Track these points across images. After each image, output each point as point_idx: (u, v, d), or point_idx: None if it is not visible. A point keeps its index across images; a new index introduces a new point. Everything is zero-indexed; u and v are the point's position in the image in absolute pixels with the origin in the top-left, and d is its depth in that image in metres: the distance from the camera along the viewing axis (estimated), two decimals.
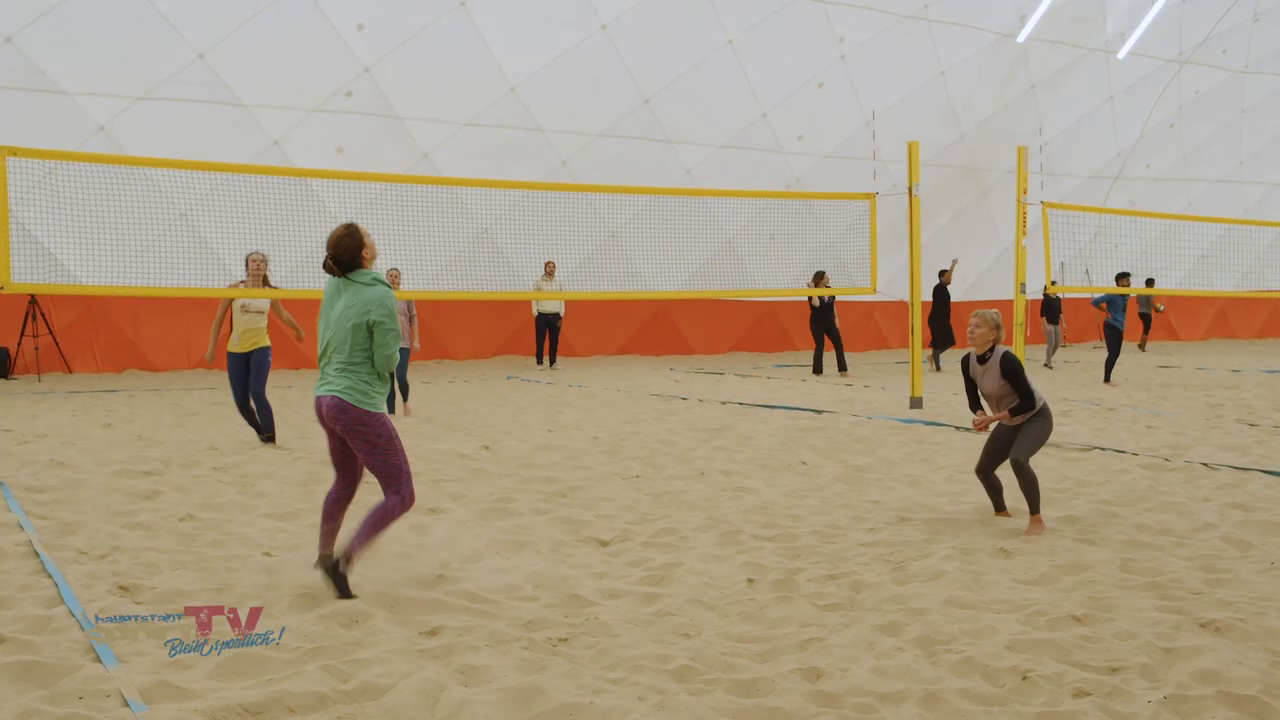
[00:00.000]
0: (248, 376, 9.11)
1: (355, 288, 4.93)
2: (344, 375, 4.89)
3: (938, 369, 18.06)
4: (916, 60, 20.74)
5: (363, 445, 4.91)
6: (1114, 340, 15.17)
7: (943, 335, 18.47)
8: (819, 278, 17.25)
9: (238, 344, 9.09)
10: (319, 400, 4.94)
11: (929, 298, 22.34)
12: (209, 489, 7.28)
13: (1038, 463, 8.38)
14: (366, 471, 5.10)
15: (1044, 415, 6.40)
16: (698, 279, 18.83)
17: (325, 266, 4.98)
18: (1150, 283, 19.41)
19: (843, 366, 17.66)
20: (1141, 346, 22.94)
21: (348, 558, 4.85)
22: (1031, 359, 20.00)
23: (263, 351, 9.15)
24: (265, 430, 9.26)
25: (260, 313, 9.11)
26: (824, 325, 17.63)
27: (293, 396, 13.77)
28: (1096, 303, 15.57)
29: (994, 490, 6.49)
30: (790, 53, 19.58)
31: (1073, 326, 25.92)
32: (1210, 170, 26.40)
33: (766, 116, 20.23)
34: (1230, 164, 26.62)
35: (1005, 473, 6.45)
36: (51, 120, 15.06)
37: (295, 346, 17.80)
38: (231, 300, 9.00)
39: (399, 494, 4.95)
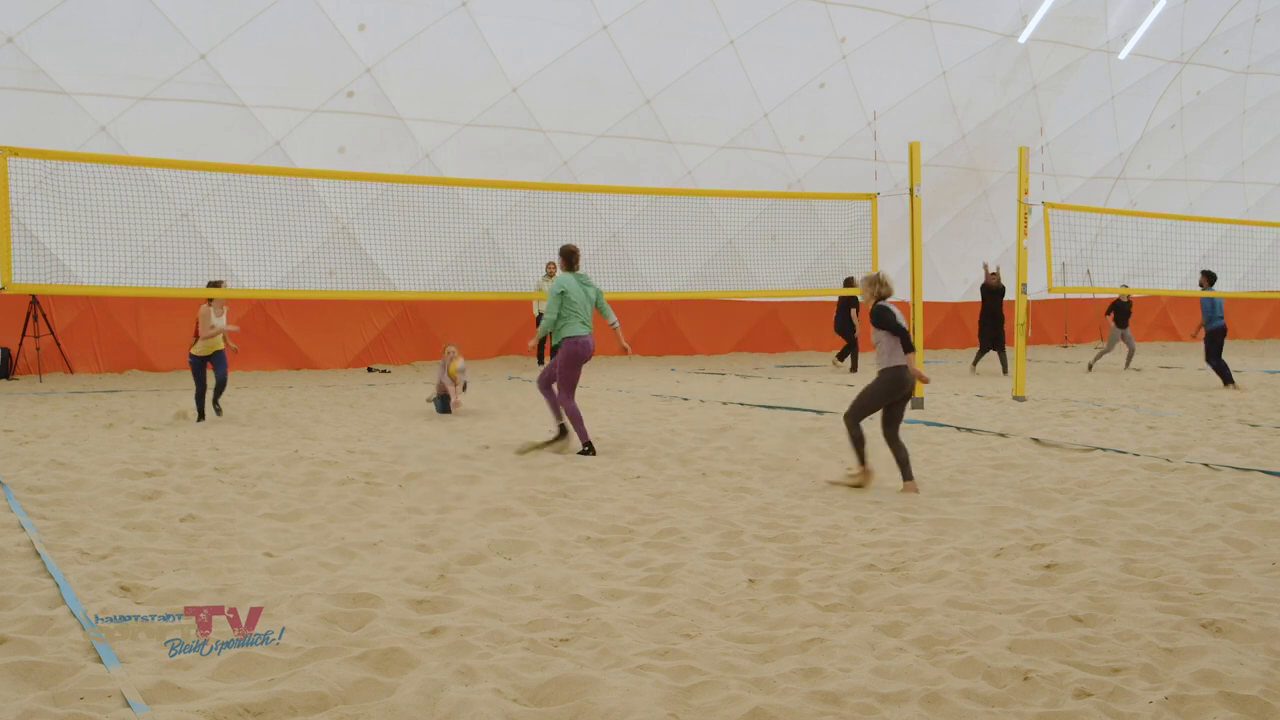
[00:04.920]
0: (205, 373, 11.35)
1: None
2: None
3: (974, 370, 17.93)
4: (918, 61, 20.74)
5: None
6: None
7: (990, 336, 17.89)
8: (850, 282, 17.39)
9: (201, 350, 11.27)
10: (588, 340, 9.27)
11: (934, 298, 22.36)
12: (210, 489, 7.29)
13: (1035, 462, 8.38)
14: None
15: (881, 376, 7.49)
16: (699, 279, 18.85)
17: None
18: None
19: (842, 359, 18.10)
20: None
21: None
22: (1033, 359, 20.01)
23: (221, 352, 11.46)
24: (216, 400, 11.46)
25: (220, 331, 11.44)
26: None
27: (294, 397, 13.78)
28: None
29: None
30: (792, 53, 19.58)
31: (1073, 327, 25.91)
32: (1212, 171, 26.40)
33: (768, 117, 20.23)
34: (1232, 164, 26.62)
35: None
36: (53, 120, 15.07)
37: (298, 350, 17.82)
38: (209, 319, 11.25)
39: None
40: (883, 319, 7.52)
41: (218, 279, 11.49)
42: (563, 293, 9.20)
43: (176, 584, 4.98)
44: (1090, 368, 18.18)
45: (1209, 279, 14.80)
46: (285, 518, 6.54)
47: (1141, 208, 23.91)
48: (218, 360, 11.38)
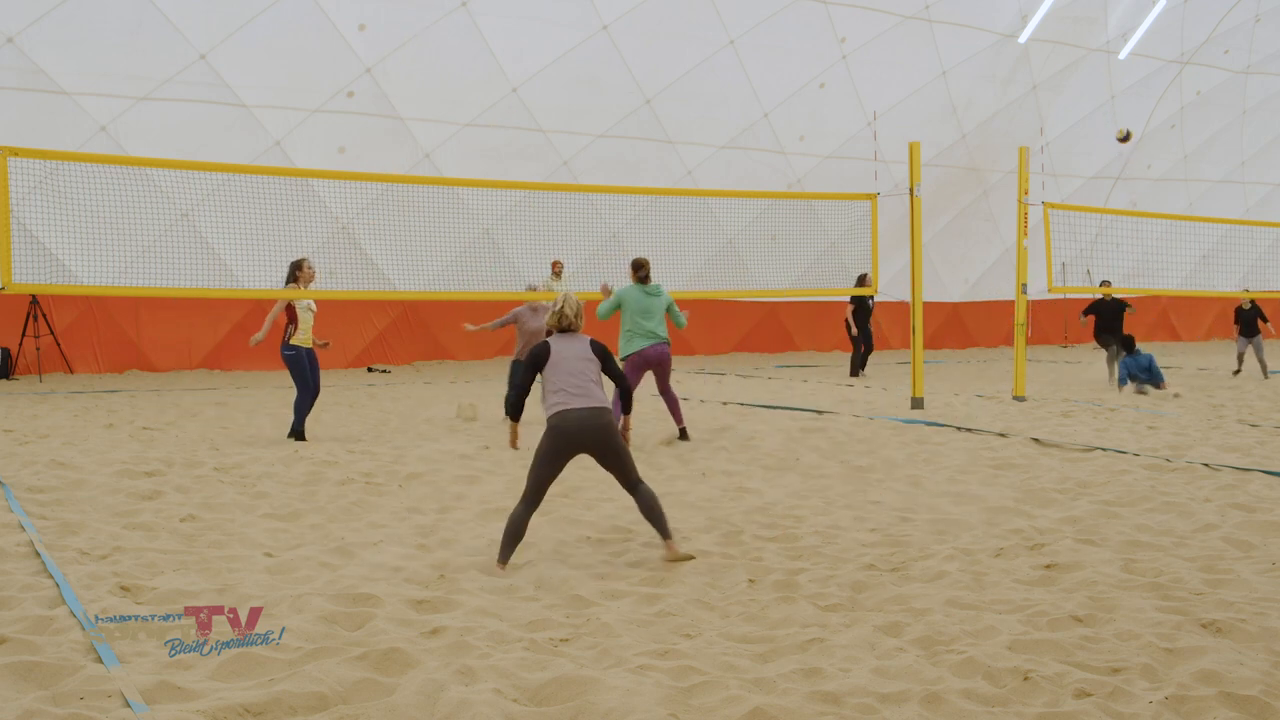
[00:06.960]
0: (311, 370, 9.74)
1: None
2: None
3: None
4: (918, 61, 20.75)
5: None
6: None
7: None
8: (863, 279, 17.03)
9: (305, 339, 9.73)
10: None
11: (934, 298, 22.35)
12: (210, 489, 7.29)
13: (1035, 462, 8.37)
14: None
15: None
16: (699, 279, 18.83)
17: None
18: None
19: (862, 367, 17.84)
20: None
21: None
22: (1033, 359, 19.99)
23: (312, 351, 9.91)
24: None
25: (313, 312, 9.84)
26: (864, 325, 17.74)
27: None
28: None
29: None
30: (792, 53, 19.59)
31: (1073, 327, 25.91)
32: (1211, 171, 26.39)
33: (768, 117, 20.23)
34: (1231, 164, 26.62)
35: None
36: (53, 120, 15.07)
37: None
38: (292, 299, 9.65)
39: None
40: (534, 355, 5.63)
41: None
42: (620, 305, 9.59)
43: (176, 584, 4.97)
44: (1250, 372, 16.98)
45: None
46: (285, 518, 6.54)
47: (1141, 208, 23.91)
48: (314, 361, 9.76)
